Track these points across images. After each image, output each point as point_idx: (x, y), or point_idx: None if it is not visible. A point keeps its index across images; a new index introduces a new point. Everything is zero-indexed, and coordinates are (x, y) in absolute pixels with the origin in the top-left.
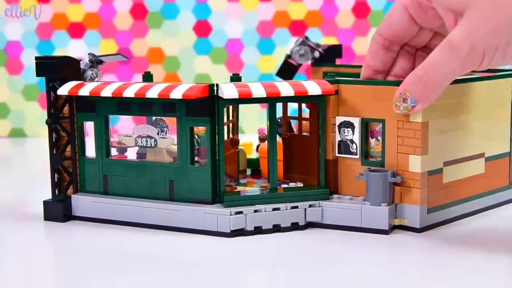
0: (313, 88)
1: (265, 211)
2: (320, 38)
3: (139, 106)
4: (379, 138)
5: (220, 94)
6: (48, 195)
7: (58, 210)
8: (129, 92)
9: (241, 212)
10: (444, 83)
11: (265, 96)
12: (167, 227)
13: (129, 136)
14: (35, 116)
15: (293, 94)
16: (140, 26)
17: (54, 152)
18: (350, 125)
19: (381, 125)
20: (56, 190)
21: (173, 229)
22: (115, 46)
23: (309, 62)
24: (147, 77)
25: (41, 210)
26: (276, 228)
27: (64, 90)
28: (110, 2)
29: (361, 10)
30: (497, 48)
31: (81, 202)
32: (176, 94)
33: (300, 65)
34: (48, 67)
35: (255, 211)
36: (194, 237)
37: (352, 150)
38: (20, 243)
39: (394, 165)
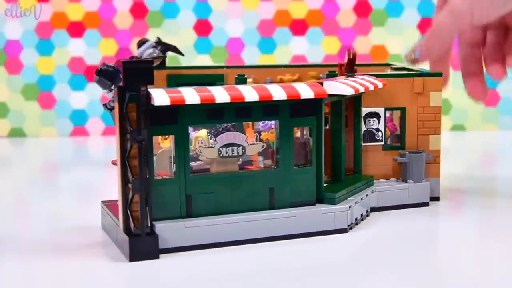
0: (379, 83)
1: (359, 202)
2: (321, 37)
3: (235, 112)
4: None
5: (335, 92)
6: (54, 202)
7: (151, 245)
8: (251, 96)
9: (350, 207)
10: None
11: (364, 91)
12: (276, 237)
13: (211, 147)
14: (35, 115)
15: (373, 88)
16: (140, 25)
17: (143, 176)
18: (375, 115)
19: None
20: (132, 222)
21: (283, 237)
22: (115, 46)
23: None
24: None
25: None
26: (361, 218)
27: (163, 99)
28: (110, 1)
29: (362, 9)
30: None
31: (169, 231)
32: (308, 93)
33: None
34: (143, 72)
35: (356, 203)
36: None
37: (378, 138)
38: None
39: (414, 146)
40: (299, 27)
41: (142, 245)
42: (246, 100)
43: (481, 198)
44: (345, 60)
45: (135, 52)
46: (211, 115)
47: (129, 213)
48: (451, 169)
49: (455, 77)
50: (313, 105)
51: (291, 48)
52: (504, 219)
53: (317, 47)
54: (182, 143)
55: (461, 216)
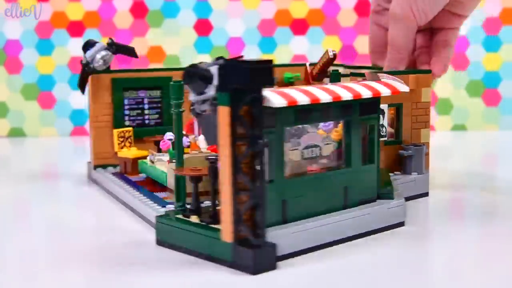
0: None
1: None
2: (322, 37)
3: (320, 113)
4: None
5: (401, 90)
6: (54, 203)
7: (271, 255)
8: (346, 95)
9: (404, 200)
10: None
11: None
12: (354, 236)
13: (295, 149)
14: (35, 115)
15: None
16: (140, 24)
17: (264, 183)
18: (380, 111)
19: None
20: (251, 232)
21: (359, 236)
22: None
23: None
24: None
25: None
26: None
27: (280, 100)
28: (110, 0)
29: (363, 8)
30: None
31: (281, 239)
32: (385, 91)
33: (92, 72)
34: (265, 73)
35: (400, 196)
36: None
37: (382, 134)
38: None
39: (408, 140)
40: (299, 27)
41: (263, 256)
42: (343, 99)
43: (481, 198)
44: (323, 59)
45: None
46: (300, 117)
47: (243, 223)
48: (451, 168)
49: (455, 77)
50: (375, 104)
51: (291, 47)
52: (504, 219)
53: (318, 47)
54: (279, 145)
55: (462, 216)
